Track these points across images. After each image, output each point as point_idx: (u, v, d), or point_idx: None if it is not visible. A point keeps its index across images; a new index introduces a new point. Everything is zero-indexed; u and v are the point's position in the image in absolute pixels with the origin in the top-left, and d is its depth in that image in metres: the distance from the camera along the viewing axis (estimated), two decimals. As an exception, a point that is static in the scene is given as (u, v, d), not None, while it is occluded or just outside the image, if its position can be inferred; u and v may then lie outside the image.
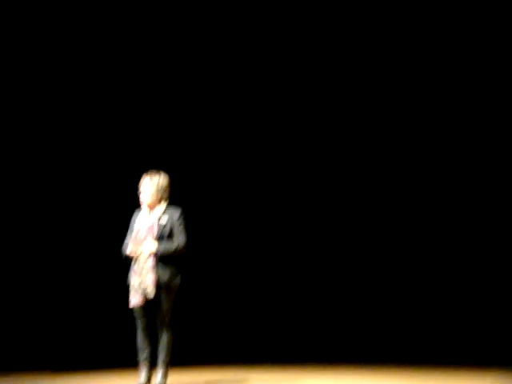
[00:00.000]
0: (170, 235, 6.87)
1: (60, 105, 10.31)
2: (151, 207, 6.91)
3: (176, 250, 6.83)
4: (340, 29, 11.05)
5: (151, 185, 6.90)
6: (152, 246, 6.76)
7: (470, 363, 9.12)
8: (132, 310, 6.90)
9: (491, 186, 10.68)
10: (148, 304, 6.80)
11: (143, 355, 6.93)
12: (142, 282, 6.74)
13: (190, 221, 7.09)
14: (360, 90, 11.27)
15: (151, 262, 6.73)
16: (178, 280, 6.90)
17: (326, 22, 11.06)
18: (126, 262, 6.94)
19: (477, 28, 10.59)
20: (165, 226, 6.85)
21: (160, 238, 6.81)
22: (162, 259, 6.78)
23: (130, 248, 6.80)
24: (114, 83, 10.45)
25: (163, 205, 6.93)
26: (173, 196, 7.10)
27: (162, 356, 6.91)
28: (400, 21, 10.87)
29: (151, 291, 6.70)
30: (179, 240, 6.84)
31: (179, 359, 7.39)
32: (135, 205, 7.10)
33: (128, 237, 7.00)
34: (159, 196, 6.91)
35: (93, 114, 10.41)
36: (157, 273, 6.74)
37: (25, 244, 9.76)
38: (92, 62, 10.39)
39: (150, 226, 6.82)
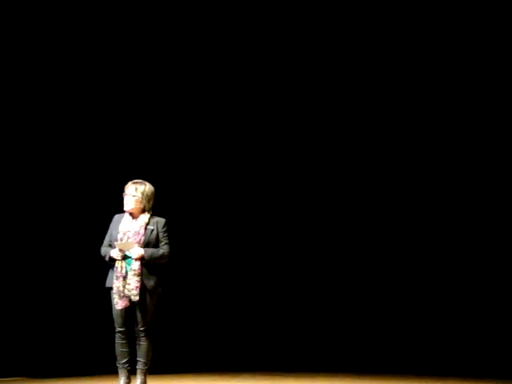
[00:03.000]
0: (156, 243, 6.84)
1: (51, 108, 10.00)
2: (134, 215, 6.85)
3: (162, 256, 6.79)
4: (340, 29, 10.98)
5: (136, 192, 6.86)
6: (140, 250, 6.71)
7: (462, 375, 9.27)
8: (111, 314, 6.78)
9: (491, 186, 10.61)
10: (129, 309, 6.71)
11: (122, 361, 6.84)
12: (127, 285, 6.68)
13: (173, 231, 7.08)
14: (360, 90, 11.19)
15: (137, 266, 6.68)
16: (159, 287, 6.85)
17: (326, 22, 10.98)
18: (108, 263, 6.83)
19: (477, 28, 10.53)
20: (151, 232, 6.81)
21: (146, 244, 6.77)
22: (147, 265, 6.73)
23: (115, 251, 6.73)
24: (104, 90, 10.25)
25: (147, 214, 6.87)
26: (156, 206, 7.05)
27: (140, 363, 6.82)
28: (400, 21, 10.81)
29: (136, 294, 6.63)
30: (164, 248, 6.82)
31: (158, 367, 7.37)
32: (113, 210, 7.04)
33: (107, 239, 6.92)
34: (143, 204, 6.86)
35: (84, 120, 10.15)
36: (142, 278, 6.69)
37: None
38: (81, 67, 10.16)
39: (136, 232, 6.76)
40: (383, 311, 10.92)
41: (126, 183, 6.94)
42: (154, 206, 6.94)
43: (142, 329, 6.74)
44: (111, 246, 6.84)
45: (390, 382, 8.80)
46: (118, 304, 6.66)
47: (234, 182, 11.07)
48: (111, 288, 6.75)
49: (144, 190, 6.83)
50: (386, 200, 11.14)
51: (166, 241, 6.81)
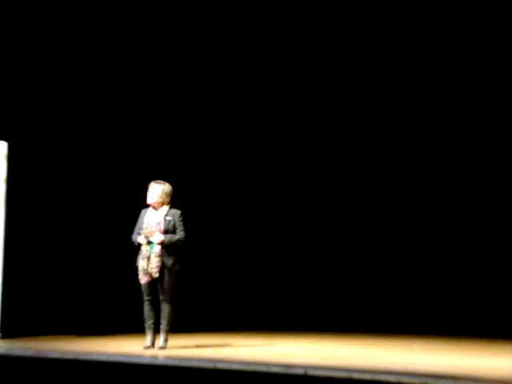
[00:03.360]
0: (173, 230, 8.11)
1: (64, 110, 10.35)
2: (156, 208, 8.13)
3: (178, 241, 8.10)
4: (340, 29, 11.06)
5: (157, 190, 8.13)
6: (160, 236, 8.02)
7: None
8: (140, 286, 8.10)
9: (486, 170, 10.88)
10: (153, 282, 8.03)
11: (149, 323, 8.15)
12: (149, 264, 7.97)
13: (188, 220, 8.26)
14: (360, 90, 11.35)
15: (159, 249, 8.00)
16: (177, 265, 8.14)
17: (327, 22, 11.06)
18: (136, 248, 8.08)
19: (477, 28, 10.50)
20: (169, 222, 8.09)
21: (165, 231, 8.06)
22: (166, 248, 8.04)
23: (141, 237, 8.02)
24: (112, 93, 10.64)
25: (167, 207, 8.14)
26: (175, 200, 8.23)
27: (163, 324, 8.13)
28: (400, 21, 10.83)
29: (156, 272, 7.95)
30: (180, 234, 8.11)
31: (177, 327, 8.44)
32: (141, 205, 8.27)
33: (136, 229, 8.18)
34: (163, 199, 8.12)
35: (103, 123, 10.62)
36: (162, 258, 8.02)
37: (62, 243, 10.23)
38: (87, 67, 10.39)
39: (158, 222, 8.06)
40: (368, 272, 11.43)
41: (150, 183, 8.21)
42: (173, 201, 8.20)
43: (163, 298, 8.06)
44: (139, 233, 8.12)
45: (379, 341, 9.65)
46: (143, 279, 8.02)
47: (248, 169, 11.67)
48: (138, 266, 8.08)
49: (164, 188, 8.14)
50: (386, 178, 11.43)
51: (182, 228, 8.11)
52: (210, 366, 6.75)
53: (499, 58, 10.70)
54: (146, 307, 8.17)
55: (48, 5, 10.04)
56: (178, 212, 8.20)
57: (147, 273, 8.01)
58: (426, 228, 11.42)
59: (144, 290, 8.14)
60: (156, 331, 8.20)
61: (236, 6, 10.96)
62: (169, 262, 8.05)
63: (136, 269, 8.15)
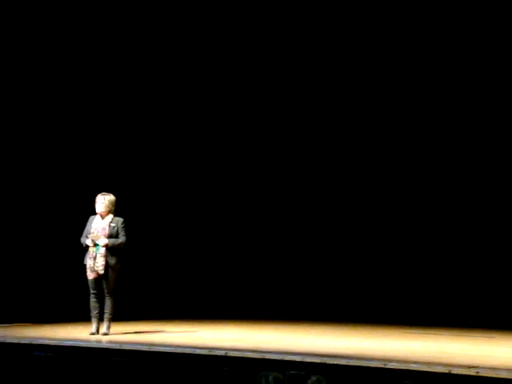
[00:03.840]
0: (116, 235, 9.10)
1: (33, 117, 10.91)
2: (102, 216, 9.14)
3: (120, 244, 9.11)
4: (340, 29, 11.10)
5: (104, 201, 9.12)
6: (105, 240, 9.02)
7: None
8: (87, 281, 9.07)
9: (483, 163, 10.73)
10: (99, 278, 9.01)
11: (94, 313, 9.10)
12: (96, 263, 8.97)
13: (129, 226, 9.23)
14: (360, 90, 11.33)
15: (104, 250, 9.00)
16: (119, 264, 9.15)
17: (327, 22, 11.13)
18: (84, 249, 9.02)
19: (477, 28, 10.40)
20: (113, 228, 9.10)
21: (110, 236, 9.07)
22: (110, 250, 9.05)
23: (89, 241, 9.01)
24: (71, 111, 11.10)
25: (111, 215, 9.16)
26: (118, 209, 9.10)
27: (107, 314, 9.10)
28: (400, 21, 10.79)
29: (102, 269, 8.95)
30: (122, 239, 9.13)
31: (118, 316, 9.27)
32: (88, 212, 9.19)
33: (84, 233, 9.09)
34: (109, 208, 9.13)
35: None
36: (107, 258, 9.01)
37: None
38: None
39: (103, 228, 9.08)
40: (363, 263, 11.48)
41: (97, 195, 9.17)
42: (116, 210, 9.17)
43: (107, 291, 9.05)
44: (87, 237, 9.07)
45: (369, 331, 10.04)
46: (90, 275, 9.01)
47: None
48: (86, 265, 9.08)
49: (110, 199, 9.14)
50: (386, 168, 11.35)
51: (124, 233, 9.11)
52: (145, 348, 7.59)
53: (499, 58, 10.59)
54: (92, 299, 9.12)
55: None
56: (120, 219, 9.18)
57: (94, 270, 8.97)
58: (399, 221, 11.50)
59: (90, 284, 9.10)
60: (100, 320, 9.09)
61: (236, 6, 11.16)
62: (112, 261, 9.05)
63: (83, 267, 9.10)
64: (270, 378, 6.66)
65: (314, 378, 6.48)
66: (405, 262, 11.34)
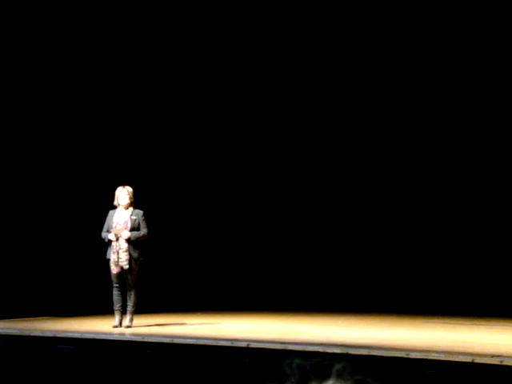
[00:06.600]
0: (138, 228, 9.10)
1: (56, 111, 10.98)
2: (125, 208, 9.14)
3: (143, 236, 9.10)
4: (340, 29, 11.08)
5: (127, 193, 9.11)
6: (128, 233, 9.04)
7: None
8: (110, 275, 9.09)
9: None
10: (122, 272, 9.04)
11: (117, 306, 9.15)
12: (119, 257, 8.97)
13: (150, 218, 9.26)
14: (360, 90, 11.36)
15: (126, 244, 9.02)
16: (142, 257, 9.16)
17: (327, 22, 11.11)
18: (106, 243, 9.05)
19: (477, 28, 10.41)
20: (134, 221, 9.08)
21: (132, 229, 9.07)
22: (133, 243, 9.05)
23: (111, 235, 9.01)
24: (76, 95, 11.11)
25: (131, 207, 9.15)
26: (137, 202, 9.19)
27: (129, 307, 9.14)
28: (400, 21, 10.81)
29: (126, 264, 8.96)
30: (144, 231, 9.12)
31: (141, 309, 9.33)
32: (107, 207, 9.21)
33: (105, 227, 9.09)
34: (131, 200, 9.11)
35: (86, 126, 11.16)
36: (130, 251, 9.03)
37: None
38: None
39: (125, 221, 9.08)
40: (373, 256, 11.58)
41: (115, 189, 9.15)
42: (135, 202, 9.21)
43: (130, 284, 9.06)
44: (109, 231, 9.09)
45: (391, 321, 10.08)
46: (114, 270, 9.03)
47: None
48: (109, 259, 9.10)
49: (130, 190, 9.10)
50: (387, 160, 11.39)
51: (145, 225, 9.10)
52: (168, 341, 7.62)
53: (499, 58, 10.64)
54: (115, 292, 9.16)
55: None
56: (140, 212, 9.18)
57: (118, 265, 8.98)
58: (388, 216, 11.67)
59: (114, 278, 9.13)
60: (123, 313, 9.13)
61: (236, 6, 11.13)
62: (135, 254, 9.05)
63: (107, 261, 9.12)
64: (294, 366, 6.66)
65: (338, 366, 6.49)
66: (425, 254, 11.46)
